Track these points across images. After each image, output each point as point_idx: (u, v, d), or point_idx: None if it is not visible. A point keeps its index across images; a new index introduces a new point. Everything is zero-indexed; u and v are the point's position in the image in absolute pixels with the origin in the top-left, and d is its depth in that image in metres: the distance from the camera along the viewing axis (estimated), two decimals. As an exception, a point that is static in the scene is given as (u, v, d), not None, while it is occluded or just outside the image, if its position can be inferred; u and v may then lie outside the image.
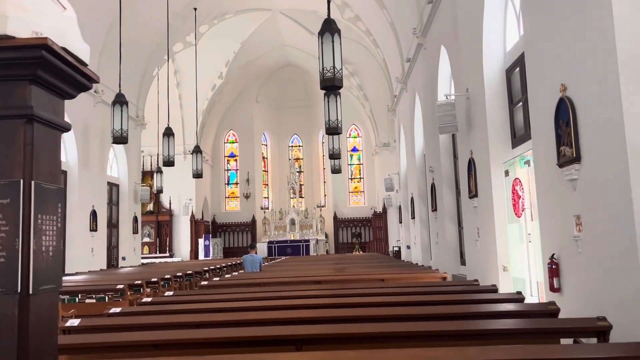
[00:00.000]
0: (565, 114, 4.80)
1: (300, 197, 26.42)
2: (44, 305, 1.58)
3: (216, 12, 18.37)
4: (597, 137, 4.33)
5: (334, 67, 7.58)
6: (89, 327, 3.69)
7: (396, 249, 19.69)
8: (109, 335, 3.36)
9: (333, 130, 10.68)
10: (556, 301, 4.11)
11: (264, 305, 4.46)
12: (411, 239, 15.99)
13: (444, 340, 3.09)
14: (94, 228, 13.51)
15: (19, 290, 1.49)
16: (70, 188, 12.84)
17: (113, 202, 15.73)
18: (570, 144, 4.72)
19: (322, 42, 7.23)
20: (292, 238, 24.47)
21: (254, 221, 25.83)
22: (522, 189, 6.54)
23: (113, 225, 15.59)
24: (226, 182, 26.70)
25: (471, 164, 8.07)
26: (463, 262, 9.76)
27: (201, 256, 22.40)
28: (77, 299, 6.97)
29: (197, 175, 16.48)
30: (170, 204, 22.61)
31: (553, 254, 5.22)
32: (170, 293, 5.77)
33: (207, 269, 11.61)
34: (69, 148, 12.98)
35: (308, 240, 24.11)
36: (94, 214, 13.56)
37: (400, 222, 18.42)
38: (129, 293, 7.23)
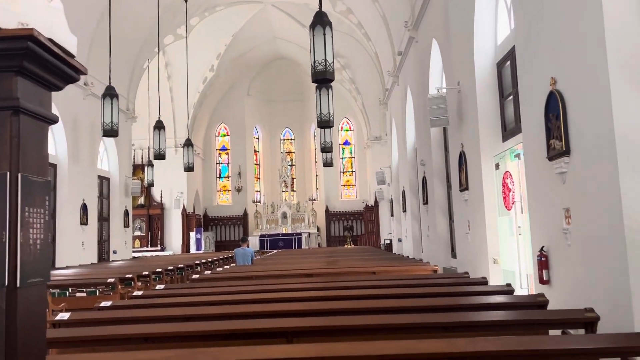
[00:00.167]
0: (555, 108, 4.83)
1: (292, 190, 26.40)
2: (32, 299, 1.57)
3: (207, 4, 18.25)
4: (586, 131, 4.36)
5: (325, 60, 7.56)
6: (79, 321, 3.68)
7: (388, 242, 19.76)
8: (99, 329, 3.35)
9: (325, 123, 10.66)
10: (545, 293, 4.15)
11: (255, 298, 4.46)
12: (402, 232, 16.05)
13: (434, 332, 3.11)
14: (84, 222, 13.43)
15: (6, 284, 1.48)
16: (60, 181, 12.75)
17: (104, 196, 15.64)
18: (560, 137, 4.74)
19: (313, 35, 7.20)
20: (284, 231, 24.48)
21: (245, 215, 25.80)
22: (513, 182, 6.58)
23: (104, 219, 15.51)
24: (218, 176, 26.62)
25: (462, 157, 8.10)
26: (454, 255, 9.82)
27: (193, 250, 22.36)
28: (67, 293, 6.94)
29: (189, 168, 16.41)
30: (161, 197, 22.52)
31: (542, 247, 5.26)
32: (162, 286, 5.75)
33: (198, 262, 11.59)
34: (58, 141, 12.87)
35: (300, 234, 24.13)
36: (84, 208, 13.48)
37: (392, 215, 18.48)
38: (120, 287, 7.20)
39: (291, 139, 27.73)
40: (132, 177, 17.73)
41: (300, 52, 22.01)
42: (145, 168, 18.65)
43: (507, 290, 4.39)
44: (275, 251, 18.89)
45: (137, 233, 21.95)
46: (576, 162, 4.54)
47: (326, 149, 14.71)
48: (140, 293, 5.09)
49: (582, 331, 3.02)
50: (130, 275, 7.75)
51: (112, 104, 10.50)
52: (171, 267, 9.80)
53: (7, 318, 1.47)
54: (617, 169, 3.89)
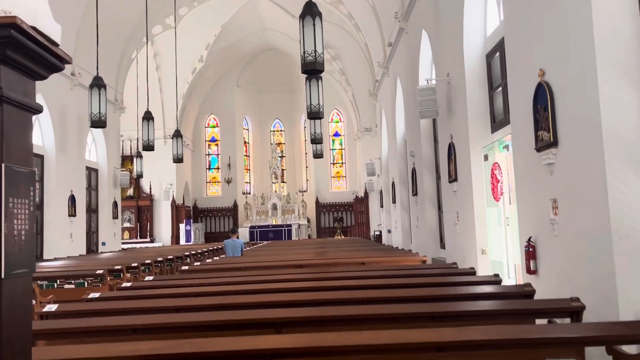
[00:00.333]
0: (543, 99, 4.86)
1: (282, 182, 26.37)
2: (17, 290, 1.56)
3: (196, -7, 18.07)
4: (574, 122, 4.39)
5: (315, 50, 7.53)
6: (67, 313, 3.66)
7: (377, 233, 19.83)
8: (87, 320, 3.33)
9: (315, 114, 10.64)
10: (532, 283, 4.19)
11: (244, 289, 4.46)
12: (392, 223, 16.11)
13: (422, 321, 3.13)
14: (72, 213, 13.33)
15: (-10, 275, 1.47)
16: (48, 173, 12.63)
17: (92, 187, 15.52)
18: (548, 128, 4.77)
19: (303, 26, 7.16)
20: (274, 223, 24.48)
21: (235, 206, 25.75)
22: (501, 173, 6.62)
23: (92, 211, 15.41)
24: (207, 167, 26.51)
25: (451, 148, 8.14)
26: (442, 246, 9.88)
27: (182, 241, 22.30)
28: (55, 285, 6.90)
29: (178, 159, 16.32)
30: (150, 188, 22.40)
31: (530, 237, 5.31)
32: (150, 278, 5.74)
33: (188, 253, 11.57)
34: (45, 132, 12.73)
35: (290, 225, 24.14)
36: (72, 199, 13.37)
37: (382, 206, 18.54)
38: (108, 278, 7.17)
39: (281, 131, 27.66)
40: (120, 169, 17.60)
41: (290, 43, 21.90)
42: (134, 159, 18.52)
43: (495, 280, 4.43)
44: (265, 242, 18.90)
45: (126, 225, 21.84)
46: (564, 154, 4.58)
47: (316, 140, 14.69)
48: (129, 284, 5.08)
49: (568, 320, 3.06)
50: (119, 267, 7.72)
51: (99, 94, 10.40)
52: (160, 259, 9.77)
53: (-8, 309, 1.46)
54: (604, 160, 3.93)
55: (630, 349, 2.62)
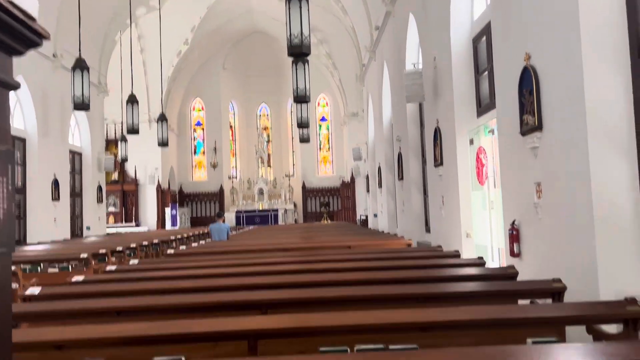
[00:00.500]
0: (528, 83, 4.87)
1: (269, 166, 26.30)
2: (-4, 270, 1.53)
3: (181, -26, 17.77)
4: (558, 106, 4.42)
5: (301, 33, 7.46)
6: (51, 295, 3.63)
7: (363, 217, 19.92)
8: (70, 303, 3.31)
9: (301, 98, 10.59)
10: (516, 266, 4.24)
11: (230, 272, 4.46)
12: (378, 208, 16.19)
13: (407, 303, 3.15)
14: (56, 197, 13.18)
15: (-32, 254, 1.44)
16: (30, 156, 12.44)
17: (76, 171, 15.34)
18: (533, 112, 4.80)
19: (289, 8, 7.09)
20: (261, 208, 24.45)
21: (221, 191, 25.65)
22: (486, 157, 6.66)
23: (76, 195, 15.24)
24: (193, 151, 26.32)
25: (437, 133, 8.16)
26: (428, 230, 9.96)
27: (168, 226, 22.20)
28: (39, 269, 6.84)
29: (163, 143, 16.17)
30: (135, 173, 22.21)
31: (514, 221, 5.36)
32: (136, 261, 5.71)
33: (174, 238, 11.52)
34: (27, 115, 12.51)
35: (277, 210, 24.13)
36: (55, 183, 13.20)
37: (368, 191, 18.60)
38: (93, 262, 7.12)
39: (267, 115, 27.50)
40: (105, 153, 17.40)
41: (276, 26, 21.67)
42: (119, 143, 18.32)
43: (479, 262, 4.48)
44: (251, 227, 18.88)
45: (112, 209, 21.67)
46: (548, 138, 4.61)
47: (303, 124, 14.64)
48: (113, 268, 5.04)
49: (549, 301, 3.10)
50: (104, 251, 7.66)
51: (82, 76, 10.23)
52: (146, 243, 9.73)
53: (-29, 289, 1.44)
54: (587, 144, 3.97)
55: (609, 328, 2.67)
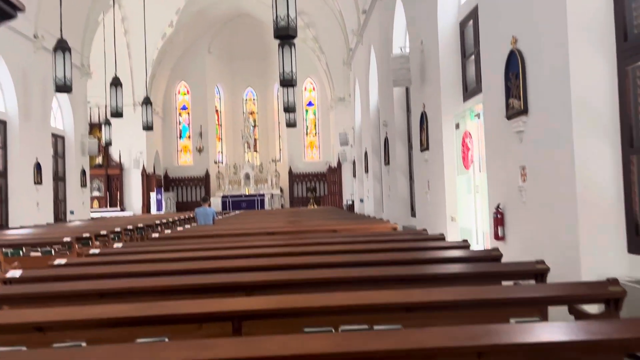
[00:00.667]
0: (515, 67, 4.87)
1: (255, 151, 26.17)
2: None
3: (165, -45, 17.42)
4: (544, 90, 4.43)
5: (288, 15, 7.38)
6: (32, 278, 3.58)
7: (350, 202, 19.97)
8: (52, 285, 3.27)
9: (288, 82, 10.50)
10: (500, 249, 4.27)
11: (214, 255, 4.44)
12: (364, 193, 16.22)
13: (392, 284, 3.16)
14: (38, 181, 12.98)
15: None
16: (11, 139, 12.22)
17: (59, 155, 15.11)
18: (519, 96, 4.81)
19: (275, -11, 6.99)
20: (247, 193, 24.37)
21: (207, 175, 25.50)
22: (472, 141, 6.67)
23: (59, 179, 15.04)
24: (178, 136, 26.07)
25: (423, 117, 8.15)
26: (413, 214, 10.01)
27: (154, 211, 22.05)
28: (21, 253, 6.75)
29: (148, 127, 16.00)
30: (120, 157, 21.96)
31: (499, 204, 5.40)
32: (120, 245, 5.66)
33: (159, 222, 11.45)
34: (8, 97, 12.26)
35: (263, 195, 24.08)
36: (38, 167, 13.00)
37: (354, 176, 18.62)
38: (76, 246, 7.04)
39: (254, 99, 27.28)
40: (88, 136, 17.16)
41: (262, 9, 21.40)
42: (103, 127, 18.07)
43: (463, 245, 4.51)
44: (237, 212, 18.83)
45: (96, 193, 21.46)
46: (533, 121, 4.63)
47: (289, 109, 14.55)
48: (97, 251, 4.99)
49: (532, 282, 3.13)
50: (88, 235, 7.58)
51: (64, 57, 10.04)
52: (130, 227, 9.65)
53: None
54: (572, 128, 3.99)
55: (591, 308, 2.70)
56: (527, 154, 4.74)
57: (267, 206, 23.63)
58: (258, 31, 24.92)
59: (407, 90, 10.17)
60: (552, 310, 2.70)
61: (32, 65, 12.91)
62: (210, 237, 6.60)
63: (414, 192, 9.97)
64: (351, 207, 19.34)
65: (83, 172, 16.24)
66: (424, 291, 2.69)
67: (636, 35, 3.79)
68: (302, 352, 1.81)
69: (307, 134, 26.53)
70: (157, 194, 22.41)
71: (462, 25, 7.11)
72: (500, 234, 5.35)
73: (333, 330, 2.32)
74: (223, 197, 23.95)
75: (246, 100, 27.25)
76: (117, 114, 13.37)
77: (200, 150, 25.68)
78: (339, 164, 23.05)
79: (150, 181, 22.74)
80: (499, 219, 5.36)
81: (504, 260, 3.94)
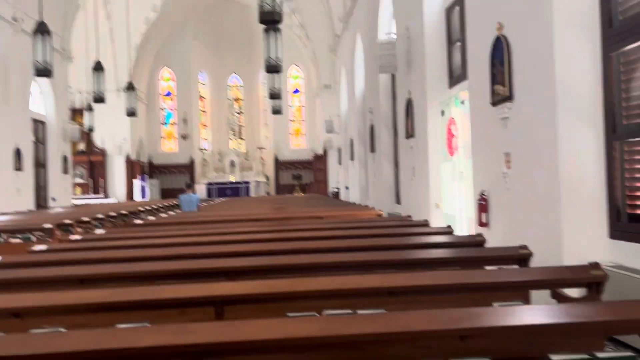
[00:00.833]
0: (500, 53, 4.86)
1: (241, 138, 26.00)
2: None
3: (148, -63, 17.07)
4: (529, 76, 4.43)
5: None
6: (11, 264, 3.51)
7: (335, 190, 19.97)
8: (31, 271, 3.21)
9: (273, 68, 10.41)
10: (484, 235, 4.29)
11: (198, 241, 4.40)
12: (350, 180, 16.24)
13: (376, 269, 3.16)
14: (18, 167, 12.76)
15: None
16: (-10, 124, 11.98)
17: (40, 141, 14.86)
18: (504, 82, 4.80)
19: (260, -28, 6.90)
20: (232, 180, 24.25)
21: (192, 162, 25.29)
22: (456, 128, 6.68)
23: (41, 165, 14.80)
24: (162, 122, 25.77)
25: (409, 104, 8.14)
26: (398, 201, 10.03)
27: (137, 198, 21.85)
28: (0, 239, 6.63)
29: (131, 113, 15.81)
30: (103, 143, 21.67)
31: (483, 191, 5.42)
32: (102, 231, 5.58)
33: (142, 209, 11.34)
34: (-14, 81, 11.99)
35: (248, 183, 23.98)
36: (18, 152, 12.77)
37: (340, 163, 18.61)
38: (57, 233, 6.95)
39: (239, 86, 27.04)
40: (70, 122, 16.88)
41: (248, -6, 21.16)
42: (85, 113, 17.80)
43: (447, 231, 4.52)
44: (222, 199, 18.74)
45: (79, 180, 21.17)
46: (518, 108, 4.63)
47: (275, 95, 14.47)
48: (78, 237, 4.92)
49: (516, 267, 3.15)
50: (69, 221, 7.48)
51: (44, 41, 9.83)
52: (113, 214, 9.54)
53: None
54: (556, 114, 4.00)
55: (573, 292, 2.73)
56: (512, 141, 4.76)
57: (252, 193, 23.54)
58: (243, 17, 24.62)
59: (393, 77, 10.13)
60: (535, 294, 2.72)
61: (11, 49, 12.62)
62: (195, 224, 6.55)
63: (399, 179, 9.99)
64: (337, 194, 19.35)
65: (65, 159, 16.00)
66: (408, 275, 2.68)
67: (621, 22, 3.79)
68: (284, 336, 1.79)
69: (292, 121, 26.41)
70: (141, 181, 22.20)
71: (448, 11, 7.08)
72: (484, 220, 5.38)
73: (317, 315, 2.31)
74: (208, 184, 23.80)
75: (231, 86, 26.99)
76: (100, 99, 13.17)
77: (184, 137, 25.44)
78: (325, 152, 23.01)
79: (134, 168, 22.50)
80: (483, 206, 5.39)
81: (487, 246, 3.96)
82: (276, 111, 16.79)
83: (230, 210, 9.54)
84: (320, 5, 18.72)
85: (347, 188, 17.08)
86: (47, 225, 6.80)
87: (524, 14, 4.47)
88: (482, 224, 5.39)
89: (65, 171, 16.03)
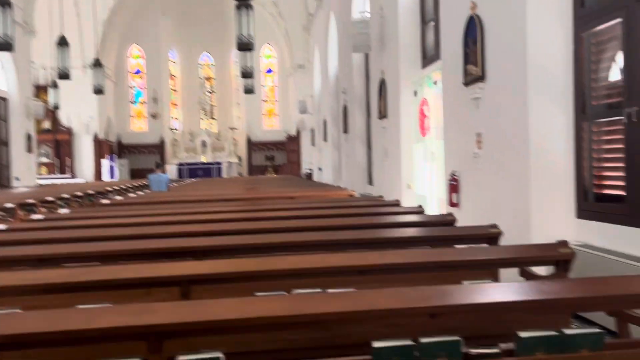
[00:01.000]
0: (473, 33, 4.84)
1: (212, 118, 25.60)
2: None
3: None
4: (502, 56, 4.42)
5: (244, -27, 7.10)
6: (-34, 244, 3.35)
7: (309, 171, 19.91)
8: (-13, 251, 3.06)
9: (245, 45, 10.21)
10: (455, 215, 4.30)
11: (166, 221, 4.29)
12: (323, 161, 16.19)
13: (346, 248, 3.13)
14: (-21, 145, 12.29)
15: None
16: (-52, 100, 11.46)
17: (2, 118, 14.32)
18: (476, 62, 4.79)
19: (231, -55, 6.69)
20: (204, 161, 23.92)
21: (162, 142, 24.82)
22: (429, 109, 6.67)
23: (2, 143, 14.29)
24: (131, 101, 25.14)
25: (382, 84, 8.10)
26: (371, 182, 10.05)
27: (106, 178, 21.37)
28: (-42, 219, 6.37)
29: (98, 91, 15.37)
30: (69, 122, 21.04)
31: (454, 171, 5.44)
32: (66, 210, 5.41)
33: (110, 189, 11.08)
34: (-57, 55, 11.44)
35: (220, 163, 23.70)
36: (-22, 130, 12.28)
37: (313, 144, 18.53)
38: (20, 213, 6.71)
39: (211, 65, 26.52)
40: (34, 99, 16.31)
41: (220, -30, 20.65)
42: (50, 89, 17.23)
43: (418, 210, 4.53)
44: (194, 180, 18.49)
45: (44, 160, 20.57)
46: (490, 88, 4.63)
47: (247, 74, 14.19)
48: (40, 217, 4.75)
49: (485, 245, 3.16)
50: (33, 201, 7.24)
51: (4, 13, 9.40)
52: (80, 194, 9.29)
53: None
54: (527, 95, 4.00)
55: (541, 270, 2.75)
56: (483, 121, 4.76)
57: (224, 174, 23.30)
58: (215, -7, 24.07)
59: (366, 57, 10.06)
60: (504, 272, 2.73)
61: (-30, 21, 12.04)
62: (164, 204, 6.41)
63: (371, 160, 9.98)
64: (310, 175, 19.30)
65: (29, 137, 15.48)
66: (378, 254, 2.66)
67: (593, 1, 3.80)
68: (251, 316, 1.73)
69: (265, 101, 26.10)
70: (109, 160, 21.70)
71: (423, -10, 7.02)
72: (454, 200, 5.41)
73: (285, 294, 2.26)
74: (179, 164, 23.43)
75: (202, 65, 26.46)
76: (64, 75, 12.73)
77: (154, 117, 24.90)
78: (298, 133, 22.87)
79: (102, 147, 21.96)
80: (453, 186, 5.41)
81: (458, 225, 3.97)
82: (248, 90, 16.54)
83: (201, 190, 9.39)
84: (294, -17, 18.42)
85: (320, 169, 17.04)
86: (9, 205, 6.57)
87: (497, -7, 4.44)
88: (452, 204, 5.42)
89: (29, 150, 15.52)
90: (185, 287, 2.44)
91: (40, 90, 19.21)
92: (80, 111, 20.70)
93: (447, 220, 3.78)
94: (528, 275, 2.63)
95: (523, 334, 1.60)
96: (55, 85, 15.71)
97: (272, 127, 25.98)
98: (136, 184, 13.54)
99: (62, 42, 12.49)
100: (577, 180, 3.91)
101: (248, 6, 9.61)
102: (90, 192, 9.87)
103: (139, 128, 25.14)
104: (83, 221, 4.44)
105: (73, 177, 20.72)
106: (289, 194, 7.34)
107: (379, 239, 3.18)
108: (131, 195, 8.69)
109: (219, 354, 1.55)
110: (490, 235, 3.16)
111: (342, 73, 12.16)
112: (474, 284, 2.00)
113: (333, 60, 13.79)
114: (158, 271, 2.43)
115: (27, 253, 2.95)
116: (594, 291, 1.89)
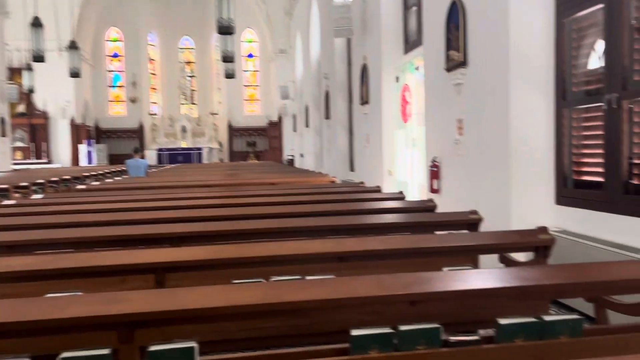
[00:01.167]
0: (456, 18, 4.80)
1: (193, 103, 25.27)
2: None
3: None
4: (484, 42, 4.39)
5: (224, -46, 6.94)
6: None
7: (290, 157, 19.82)
8: (-46, 238, 2.95)
9: (225, 29, 10.05)
10: (435, 201, 4.29)
11: (143, 207, 4.20)
12: (305, 147, 16.12)
13: (327, 234, 3.09)
14: (-50, 129, 11.94)
15: None
16: None
17: (-26, 101, 13.92)
18: (459, 48, 4.76)
19: None
20: (184, 146, 23.65)
21: (141, 127, 24.45)
22: (411, 95, 6.64)
23: (-25, 127, 13.91)
24: (109, 85, 24.67)
25: (364, 70, 8.04)
26: (352, 169, 10.02)
27: (83, 163, 20.99)
28: None
29: (75, 74, 15.02)
30: (45, 106, 20.56)
31: (435, 157, 5.43)
32: (40, 196, 5.27)
33: (87, 174, 10.86)
34: None
35: (201, 149, 23.45)
36: (-51, 113, 11.92)
37: (295, 130, 18.42)
38: (-7, 198, 6.52)
39: (191, 49, 26.10)
40: (7, 82, 15.87)
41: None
42: (24, 72, 16.79)
43: (399, 197, 4.51)
44: (173, 165, 18.27)
45: (19, 144, 20.11)
46: (472, 74, 4.61)
47: (228, 58, 14.00)
48: (12, 202, 4.62)
49: (465, 232, 3.15)
50: (6, 186, 7.04)
51: (-26, -8, 9.07)
52: (55, 179, 9.08)
53: None
54: (508, 80, 3.99)
55: (520, 256, 2.74)
56: (465, 107, 4.75)
57: (205, 160, 23.08)
58: (195, -25, 23.63)
59: (348, 42, 9.97)
60: (484, 259, 2.72)
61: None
62: (142, 189, 6.29)
63: (353, 147, 9.95)
64: (291, 162, 19.22)
65: (2, 121, 15.08)
66: (358, 240, 2.63)
67: (575, -13, 3.77)
68: (227, 304, 1.69)
69: (247, 86, 25.83)
70: (87, 145, 21.31)
71: (405, -26, 6.95)
72: (435, 186, 5.41)
73: (263, 282, 2.21)
74: (158, 150, 23.13)
75: (182, 49, 26.03)
76: (39, 58, 12.38)
77: (133, 101, 24.48)
78: (280, 119, 22.71)
79: (79, 132, 21.54)
80: (434, 172, 5.40)
81: (438, 211, 3.96)
82: (229, 75, 16.32)
83: (181, 176, 9.26)
84: (276, -34, 18.15)
85: (301, 155, 16.96)
86: (-19, 190, 6.39)
87: (480, -22, 4.39)
88: (433, 191, 5.42)
89: (3, 134, 15.13)
90: (160, 274, 2.39)
91: (14, 73, 18.72)
92: (57, 95, 20.24)
93: (427, 207, 3.76)
94: (507, 262, 2.63)
95: (503, 321, 1.58)
96: (29, 68, 15.31)
97: (253, 113, 25.76)
98: (114, 170, 13.31)
99: (36, 23, 12.12)
100: (557, 167, 3.92)
101: (228, -12, 9.44)
102: (66, 177, 9.66)
103: (117, 112, 24.71)
104: (56, 207, 4.33)
105: (49, 162, 20.32)
106: (270, 180, 7.27)
107: (359, 225, 3.15)
108: (109, 181, 8.53)
109: (193, 344, 1.50)
110: (470, 222, 3.16)
111: (324, 58, 12.06)
112: (454, 270, 1.98)
113: (315, 45, 13.67)
114: (132, 258, 2.36)
115: (-5, 240, 2.85)
116: (573, 277, 1.88)
